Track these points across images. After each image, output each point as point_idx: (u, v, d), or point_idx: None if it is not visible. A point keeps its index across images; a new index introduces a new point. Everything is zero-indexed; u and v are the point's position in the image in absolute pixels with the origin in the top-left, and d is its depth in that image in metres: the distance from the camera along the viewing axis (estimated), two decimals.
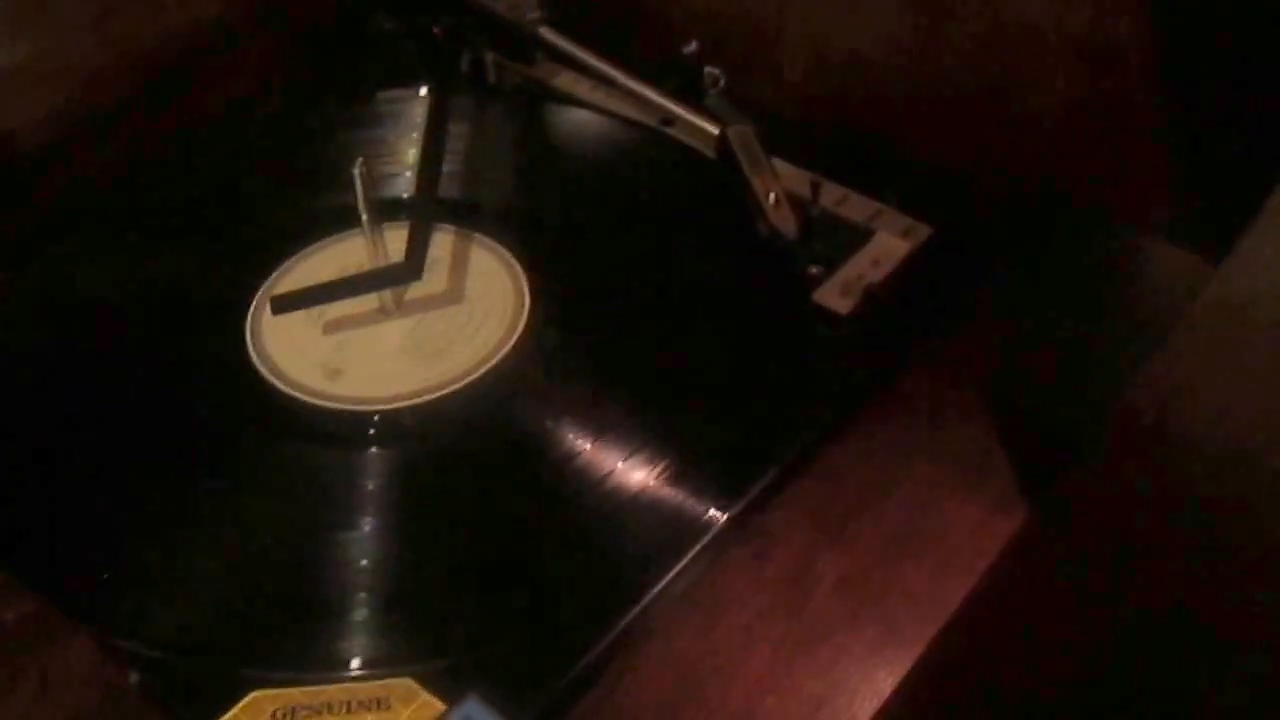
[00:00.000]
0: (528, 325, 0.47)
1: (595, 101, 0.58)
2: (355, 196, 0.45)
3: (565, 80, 0.59)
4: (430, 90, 0.55)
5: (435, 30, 0.58)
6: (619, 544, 0.41)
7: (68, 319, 0.50)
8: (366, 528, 0.41)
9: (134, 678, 0.38)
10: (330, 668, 0.37)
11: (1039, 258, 0.51)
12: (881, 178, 0.53)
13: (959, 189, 0.52)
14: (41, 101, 0.54)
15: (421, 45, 0.58)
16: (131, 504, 0.43)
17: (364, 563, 0.40)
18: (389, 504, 0.42)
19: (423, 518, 0.42)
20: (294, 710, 0.36)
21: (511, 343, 0.46)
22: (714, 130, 0.51)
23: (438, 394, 0.44)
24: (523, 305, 0.47)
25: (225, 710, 0.36)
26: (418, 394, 0.44)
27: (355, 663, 0.37)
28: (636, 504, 0.42)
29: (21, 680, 0.39)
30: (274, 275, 0.49)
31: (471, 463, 0.43)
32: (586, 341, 0.47)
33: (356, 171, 0.44)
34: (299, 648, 0.38)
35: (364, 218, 0.45)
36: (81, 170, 0.55)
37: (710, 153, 0.52)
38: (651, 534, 0.41)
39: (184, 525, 0.42)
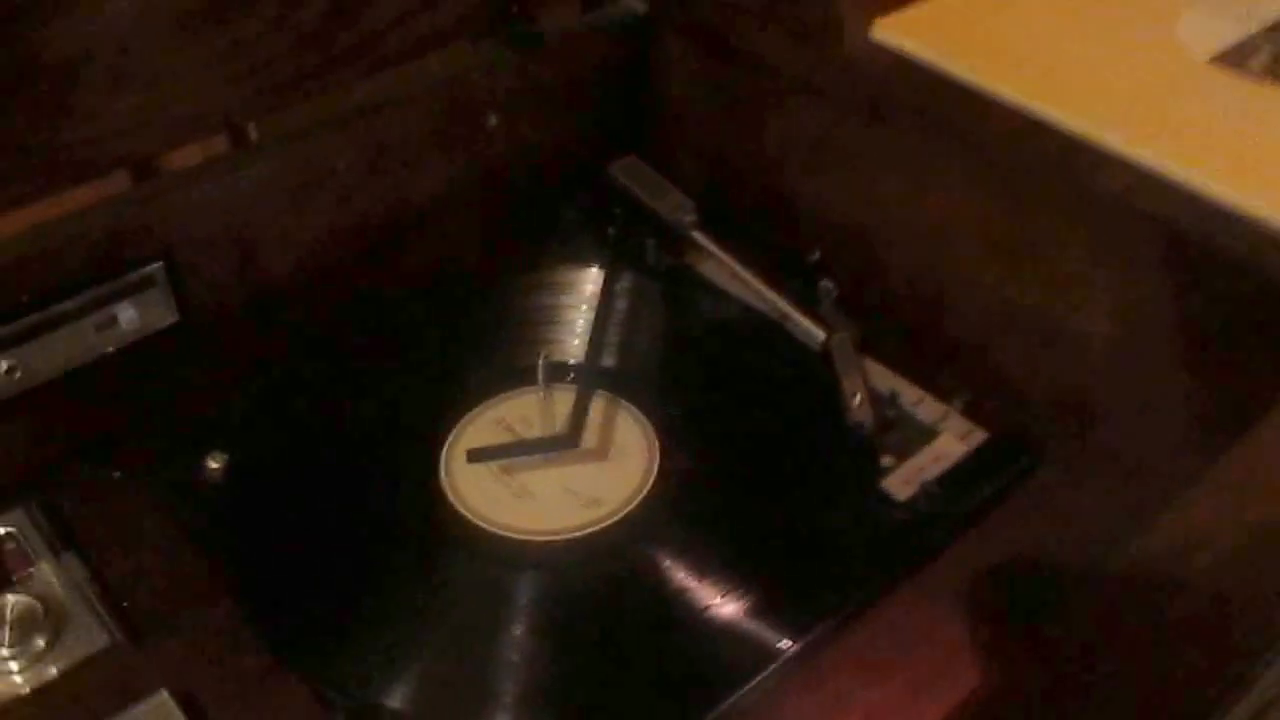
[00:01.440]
0: (655, 482, 0.61)
1: (731, 289, 0.71)
2: (536, 371, 0.60)
3: (709, 267, 0.73)
4: (604, 271, 0.70)
5: (611, 225, 0.72)
6: (713, 659, 0.55)
7: (303, 431, 0.66)
8: (517, 631, 0.55)
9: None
10: None
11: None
12: (951, 384, 0.65)
13: (1015, 398, 0.64)
14: (292, 251, 0.70)
15: (598, 232, 0.73)
16: (347, 585, 0.58)
17: (515, 658, 0.54)
18: (537, 613, 0.56)
19: (563, 627, 0.55)
20: None
21: (640, 497, 0.60)
22: (820, 335, 0.65)
23: (581, 532, 0.59)
24: (653, 467, 0.62)
25: None
26: (565, 530, 0.59)
27: None
28: (725, 630, 0.55)
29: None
30: (467, 417, 0.64)
31: (605, 588, 0.57)
32: (700, 497, 0.61)
33: (540, 362, 0.59)
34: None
35: (540, 393, 0.60)
36: (315, 312, 0.71)
37: (817, 348, 0.66)
38: (732, 654, 0.55)
39: (384, 608, 0.57)
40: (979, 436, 0.63)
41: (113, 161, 0.65)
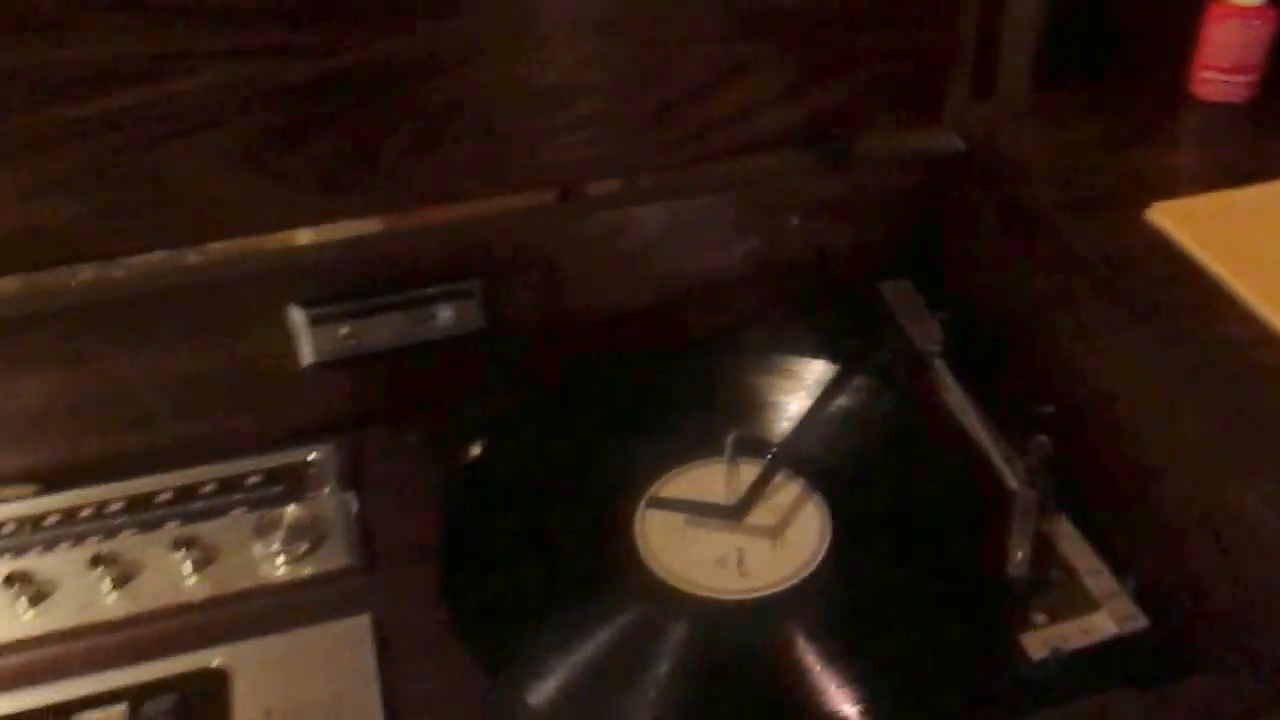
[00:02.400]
0: (815, 572, 0.67)
1: (950, 420, 0.75)
2: (724, 447, 0.69)
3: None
4: (837, 368, 0.77)
5: (859, 334, 0.79)
6: None
7: (541, 447, 0.77)
8: (662, 670, 0.63)
9: None
10: None
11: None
12: (1131, 562, 0.66)
13: (1193, 595, 0.64)
14: (592, 294, 0.82)
15: (846, 335, 0.80)
16: (531, 584, 0.68)
17: (652, 694, 0.62)
18: (680, 657, 0.63)
19: (698, 677, 0.62)
20: None
21: (797, 581, 0.66)
22: (1011, 485, 0.68)
23: (728, 596, 0.66)
24: (816, 558, 0.67)
25: None
26: (718, 590, 0.66)
27: None
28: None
29: None
30: (665, 477, 0.73)
31: (741, 654, 0.64)
32: (852, 598, 0.66)
33: (730, 438, 0.67)
34: None
35: (724, 464, 0.68)
36: (590, 345, 0.82)
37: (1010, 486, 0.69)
38: None
39: (555, 613, 0.66)
40: (1138, 624, 0.63)
41: (544, 181, 0.81)
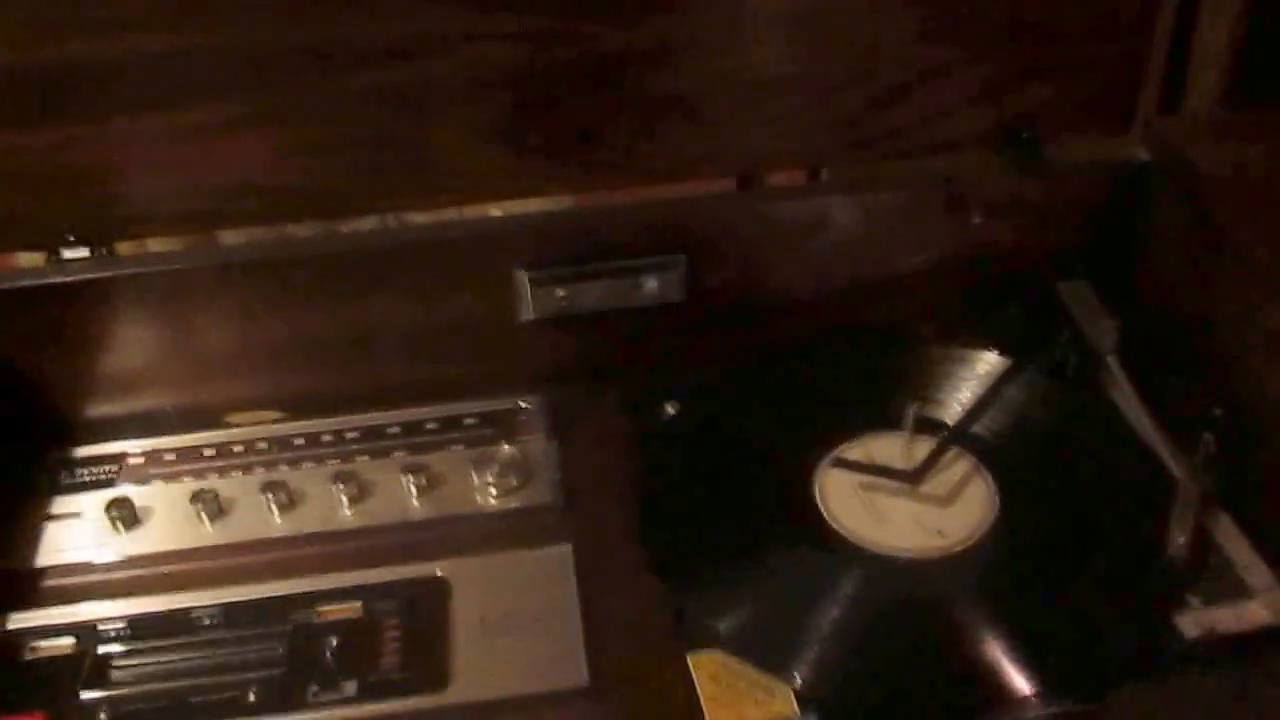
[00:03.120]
0: (979, 541, 0.72)
1: (1119, 415, 0.80)
2: (903, 419, 0.75)
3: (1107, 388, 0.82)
4: (1014, 364, 0.82)
5: (1033, 326, 0.84)
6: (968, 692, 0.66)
7: (732, 411, 0.84)
8: (833, 613, 0.69)
9: None
10: None
11: None
12: None
13: None
14: (789, 278, 0.88)
15: (1024, 328, 0.85)
16: (721, 532, 0.76)
17: (824, 631, 0.69)
18: (850, 604, 0.70)
19: (865, 621, 0.69)
20: None
21: (960, 548, 0.72)
22: (1175, 474, 0.72)
23: (908, 554, 0.72)
24: (981, 529, 0.73)
25: None
26: (887, 547, 0.72)
27: None
28: (987, 674, 0.66)
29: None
30: (845, 445, 0.79)
31: (904, 605, 0.70)
32: (1012, 566, 0.71)
33: (909, 411, 0.73)
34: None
35: (902, 437, 0.75)
36: (782, 326, 0.89)
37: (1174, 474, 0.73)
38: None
39: (742, 558, 0.74)
40: None
41: (745, 168, 0.88)
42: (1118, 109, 0.85)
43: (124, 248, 0.85)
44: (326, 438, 0.85)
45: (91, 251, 0.82)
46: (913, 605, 0.70)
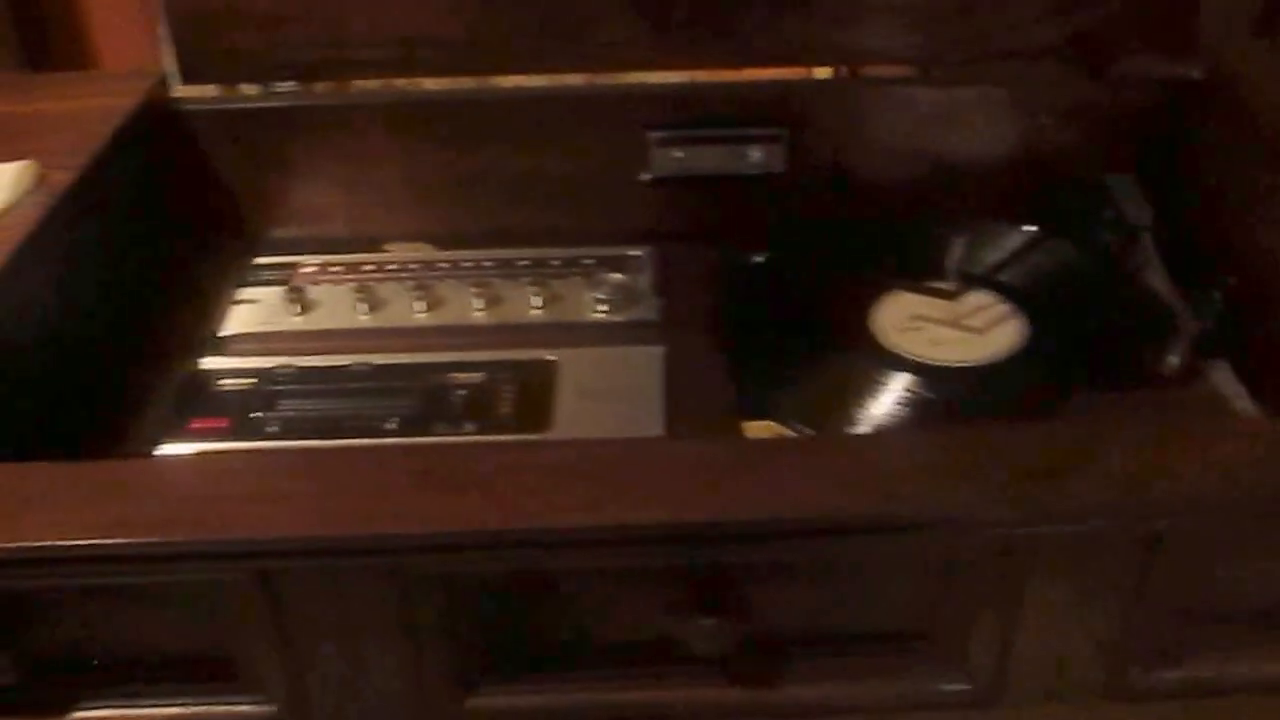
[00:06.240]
0: (1009, 359, 0.85)
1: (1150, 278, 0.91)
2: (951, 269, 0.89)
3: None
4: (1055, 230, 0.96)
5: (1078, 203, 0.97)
6: None
7: (807, 259, 0.98)
8: (885, 408, 0.83)
9: None
10: None
11: None
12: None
13: None
14: (872, 163, 1.02)
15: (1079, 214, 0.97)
16: (796, 356, 0.89)
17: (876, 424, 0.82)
18: (897, 404, 0.83)
19: (913, 414, 0.82)
20: None
21: (995, 361, 0.85)
22: (1178, 313, 0.84)
23: (945, 364, 0.85)
24: (1012, 350, 0.86)
25: None
26: (938, 360, 0.86)
27: None
28: None
29: None
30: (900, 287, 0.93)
31: (947, 405, 0.83)
32: (1034, 374, 0.85)
33: (954, 263, 0.88)
34: None
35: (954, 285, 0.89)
36: (858, 205, 1.03)
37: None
38: None
39: (812, 370, 0.88)
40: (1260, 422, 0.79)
41: (851, 58, 1.03)
42: (1176, 28, 0.97)
43: (320, 87, 1.02)
44: (467, 264, 1.01)
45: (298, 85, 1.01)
46: (946, 404, 0.83)
